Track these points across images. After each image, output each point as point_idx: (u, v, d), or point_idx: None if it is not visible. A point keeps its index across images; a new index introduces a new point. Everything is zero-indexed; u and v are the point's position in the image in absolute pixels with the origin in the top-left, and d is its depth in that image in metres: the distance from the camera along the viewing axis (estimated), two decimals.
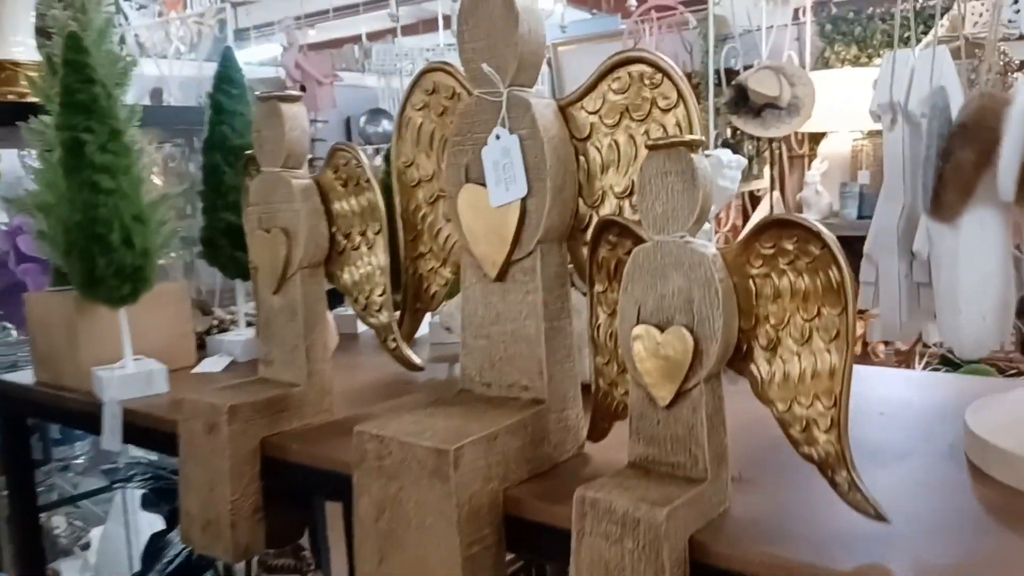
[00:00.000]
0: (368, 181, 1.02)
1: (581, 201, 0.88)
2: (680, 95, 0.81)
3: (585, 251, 0.87)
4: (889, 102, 0.84)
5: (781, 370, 0.71)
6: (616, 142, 0.85)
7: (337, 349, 1.40)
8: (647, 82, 0.83)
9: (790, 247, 0.69)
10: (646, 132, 0.83)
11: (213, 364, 1.40)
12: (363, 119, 5.22)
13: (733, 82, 3.29)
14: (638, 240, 0.78)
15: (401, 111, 1.03)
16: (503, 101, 0.85)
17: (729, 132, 3.74)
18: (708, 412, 0.73)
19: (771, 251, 0.71)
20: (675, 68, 0.82)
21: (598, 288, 0.84)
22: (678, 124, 0.81)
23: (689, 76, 3.36)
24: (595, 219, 0.87)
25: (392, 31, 4.14)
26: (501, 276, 0.88)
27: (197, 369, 1.39)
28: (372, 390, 1.22)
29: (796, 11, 4.59)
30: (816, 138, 4.21)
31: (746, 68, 3.39)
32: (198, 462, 1.02)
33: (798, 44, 4.65)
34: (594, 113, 0.86)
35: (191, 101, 3.00)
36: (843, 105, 3.98)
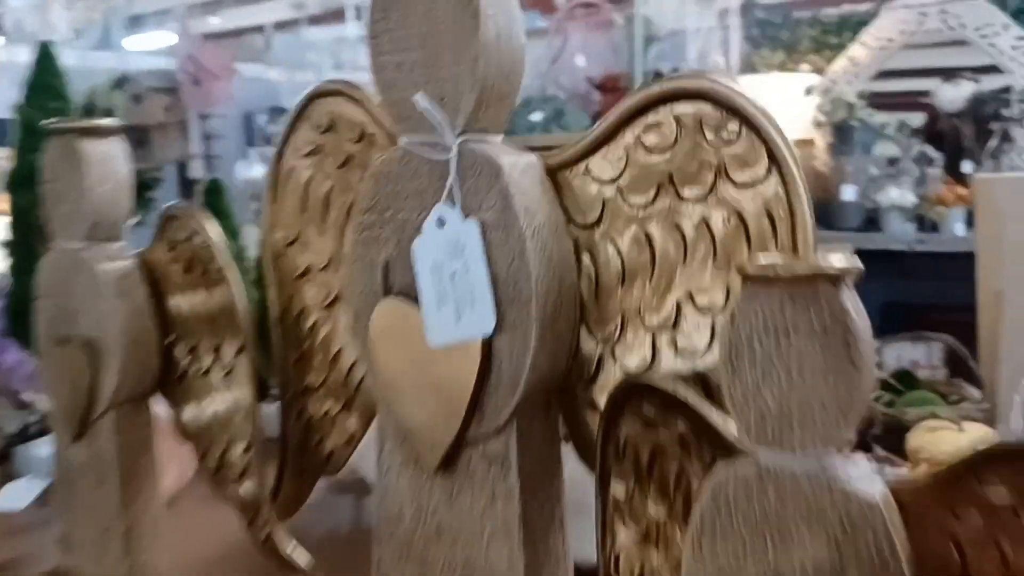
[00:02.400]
0: (220, 271, 0.63)
1: (584, 331, 0.51)
2: (774, 159, 0.45)
3: (591, 418, 0.51)
4: None
5: None
6: (648, 236, 0.48)
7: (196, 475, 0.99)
8: (710, 135, 0.46)
9: None
10: (704, 221, 0.47)
11: (15, 495, 0.97)
12: (264, 118, 4.74)
13: None
14: (703, 430, 0.41)
15: (278, 157, 0.64)
16: (452, 159, 0.48)
17: None
18: None
19: (1005, 501, 0.35)
20: (764, 112, 0.45)
21: (617, 490, 0.48)
22: (768, 211, 0.45)
23: (616, 79, 3.06)
24: (608, 362, 0.50)
25: (307, 20, 3.70)
26: (448, 463, 0.50)
27: None
28: (236, 562, 0.81)
29: (721, 14, 4.35)
30: None
31: (673, 71, 3.09)
32: None
33: (723, 48, 4.41)
34: (611, 183, 0.49)
35: (73, 95, 2.57)
36: (771, 112, 3.77)
